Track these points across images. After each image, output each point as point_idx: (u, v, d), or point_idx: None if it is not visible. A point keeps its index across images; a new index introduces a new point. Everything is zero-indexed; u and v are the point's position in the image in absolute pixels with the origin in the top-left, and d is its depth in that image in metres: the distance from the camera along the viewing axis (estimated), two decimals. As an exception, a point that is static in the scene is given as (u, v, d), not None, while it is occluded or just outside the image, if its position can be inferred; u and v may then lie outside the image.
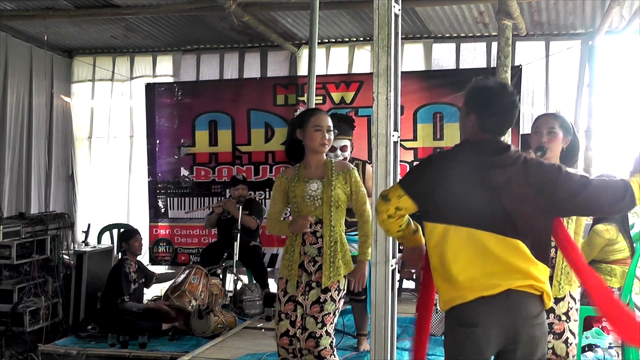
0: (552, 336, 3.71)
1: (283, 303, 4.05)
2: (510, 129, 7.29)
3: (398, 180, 3.00)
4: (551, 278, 3.72)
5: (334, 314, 4.01)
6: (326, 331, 3.96)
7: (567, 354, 3.68)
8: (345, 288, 4.11)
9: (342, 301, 4.08)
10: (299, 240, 4.03)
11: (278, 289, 4.13)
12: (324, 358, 3.96)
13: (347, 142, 5.43)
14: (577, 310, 3.73)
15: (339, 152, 5.37)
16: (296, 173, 4.11)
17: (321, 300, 3.95)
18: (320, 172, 4.05)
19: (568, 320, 3.70)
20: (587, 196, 2.81)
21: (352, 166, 4.13)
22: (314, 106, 7.09)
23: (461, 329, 2.80)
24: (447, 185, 2.83)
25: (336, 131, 5.36)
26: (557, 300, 3.74)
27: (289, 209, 4.31)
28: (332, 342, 4.02)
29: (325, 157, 4.12)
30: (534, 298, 2.81)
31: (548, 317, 3.71)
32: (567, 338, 3.68)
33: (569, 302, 3.72)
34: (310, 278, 4.01)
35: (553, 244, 3.27)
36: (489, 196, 2.79)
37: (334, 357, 4.02)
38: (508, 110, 2.93)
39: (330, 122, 4.07)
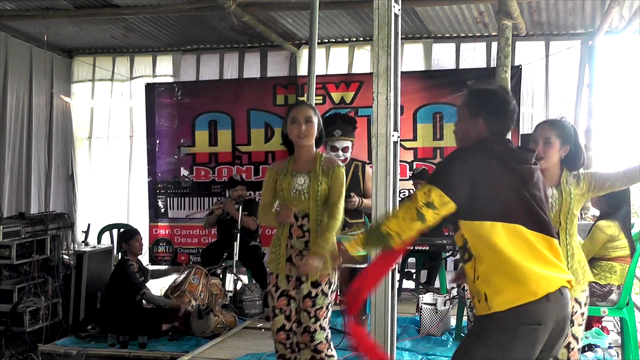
0: None
1: (276, 298, 4.03)
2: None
3: (432, 182, 2.84)
4: None
5: (327, 307, 3.97)
6: (320, 325, 3.94)
7: (569, 358, 3.65)
8: (336, 281, 4.06)
9: (334, 295, 4.04)
10: (286, 234, 4.00)
11: (269, 284, 4.09)
12: (321, 352, 3.95)
13: (349, 144, 5.42)
14: (582, 314, 3.70)
15: (340, 152, 5.36)
16: (285, 166, 4.08)
17: (312, 295, 3.92)
18: (308, 166, 4.01)
19: (572, 325, 3.67)
20: None
21: (339, 163, 4.03)
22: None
23: (523, 328, 2.74)
24: (494, 180, 2.82)
25: (339, 132, 5.37)
26: None
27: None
28: (327, 336, 3.99)
29: (315, 150, 4.06)
30: (569, 298, 2.90)
31: None
32: (570, 343, 3.65)
33: (573, 307, 3.69)
34: (295, 273, 3.98)
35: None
36: (529, 192, 2.86)
37: (331, 350, 4.00)
38: (513, 113, 2.99)
39: (309, 113, 3.97)
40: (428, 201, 2.83)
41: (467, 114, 3.00)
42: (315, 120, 4.00)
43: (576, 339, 3.66)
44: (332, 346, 4.02)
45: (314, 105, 4.21)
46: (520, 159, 2.91)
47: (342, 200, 3.96)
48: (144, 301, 6.56)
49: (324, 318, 3.96)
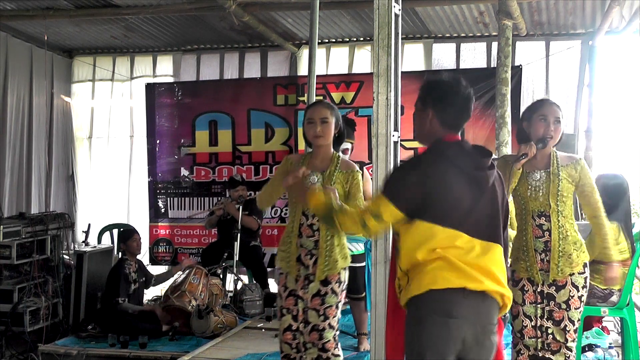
0: (551, 322, 3.76)
1: (284, 298, 4.03)
2: (510, 126, 7.29)
3: (384, 192, 2.88)
4: (548, 262, 3.76)
5: (337, 306, 3.97)
6: (329, 324, 3.94)
7: (566, 339, 3.77)
8: (346, 280, 4.05)
9: (344, 293, 4.03)
10: (295, 232, 3.99)
11: (279, 284, 4.09)
12: (328, 351, 3.94)
13: (349, 145, 5.41)
14: (579, 297, 3.75)
15: (340, 154, 5.36)
16: (301, 161, 4.06)
17: (322, 293, 3.92)
18: (324, 165, 4.01)
19: (568, 309, 3.75)
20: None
21: (357, 168, 4.05)
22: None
23: (435, 318, 2.74)
24: (438, 187, 2.81)
25: None
26: (558, 288, 3.77)
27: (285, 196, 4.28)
28: (335, 335, 3.99)
29: (332, 151, 4.06)
30: (497, 305, 2.85)
31: (548, 305, 3.76)
32: (566, 325, 3.77)
33: (570, 291, 3.75)
34: (308, 271, 3.97)
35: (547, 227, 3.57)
36: (483, 198, 2.83)
37: (338, 350, 3.99)
38: (465, 104, 2.96)
39: (325, 113, 3.99)
40: (375, 212, 2.88)
41: (419, 106, 3.02)
42: (332, 120, 4.00)
43: (572, 321, 3.77)
44: (339, 346, 4.02)
45: (332, 104, 4.17)
46: (477, 165, 2.87)
47: (360, 203, 3.94)
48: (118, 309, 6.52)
49: (333, 317, 3.96)
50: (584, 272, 3.82)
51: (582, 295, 3.79)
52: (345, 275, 4.01)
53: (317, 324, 3.93)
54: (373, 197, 3.00)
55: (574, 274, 3.77)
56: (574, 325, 3.75)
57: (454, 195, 2.79)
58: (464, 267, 2.75)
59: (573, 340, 3.78)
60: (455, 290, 2.73)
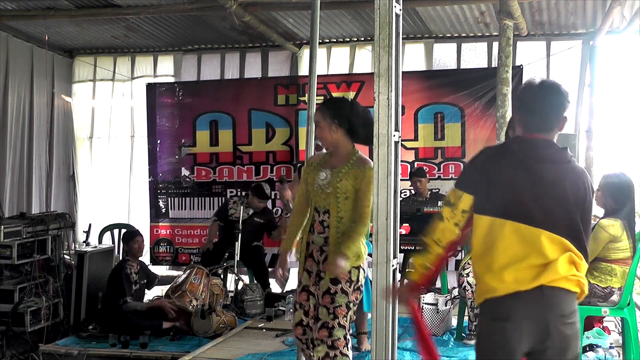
0: None
1: (298, 293, 4.07)
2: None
3: (455, 183, 3.00)
4: None
5: (347, 306, 3.93)
6: (339, 323, 3.92)
7: None
8: (358, 280, 4.01)
9: (357, 293, 3.98)
10: (307, 229, 4.02)
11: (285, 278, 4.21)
12: (337, 348, 3.91)
13: None
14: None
15: (359, 152, 5.33)
16: (320, 159, 4.10)
17: (332, 292, 3.91)
18: (341, 162, 4.00)
19: None
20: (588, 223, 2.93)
21: (370, 165, 3.94)
22: (314, 107, 7.09)
23: (493, 323, 2.81)
24: (499, 178, 2.84)
25: None
26: None
27: None
28: (346, 335, 3.96)
29: (350, 149, 4.03)
30: (568, 295, 2.80)
31: None
32: None
33: None
34: (319, 267, 3.97)
35: None
36: (539, 191, 2.81)
37: (347, 349, 3.96)
38: (548, 109, 2.90)
39: (316, 117, 4.05)
40: (447, 200, 2.98)
41: (513, 108, 3.07)
42: (325, 122, 3.98)
43: None
44: (349, 347, 3.99)
45: (326, 105, 4.13)
46: (544, 158, 2.86)
47: (370, 203, 3.90)
48: (124, 308, 6.51)
49: (343, 316, 3.93)
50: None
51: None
52: (357, 275, 3.96)
53: (327, 321, 3.92)
54: None
55: None
56: None
57: (513, 186, 2.82)
58: (514, 269, 2.77)
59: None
60: (509, 295, 2.76)
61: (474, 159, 2.99)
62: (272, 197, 8.39)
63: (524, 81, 3.16)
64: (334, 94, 8.64)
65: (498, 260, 2.79)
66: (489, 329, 2.83)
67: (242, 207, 7.66)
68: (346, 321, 3.96)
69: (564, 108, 2.92)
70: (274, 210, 8.57)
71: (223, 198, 9.10)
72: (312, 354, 4.00)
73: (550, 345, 2.77)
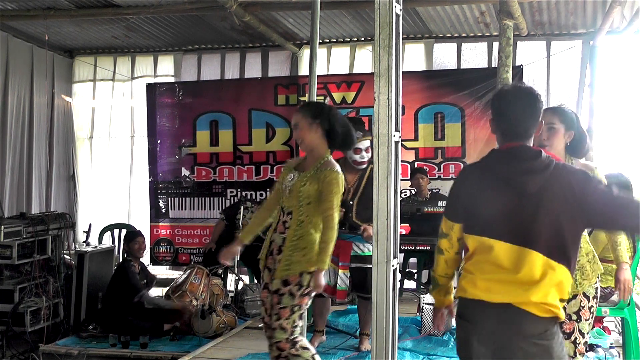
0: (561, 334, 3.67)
1: (261, 289, 4.13)
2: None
3: (444, 212, 3.04)
4: None
5: (292, 310, 3.89)
6: (280, 325, 3.89)
7: (575, 353, 3.63)
8: (308, 285, 3.93)
9: (305, 299, 3.94)
10: (274, 227, 4.06)
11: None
12: (283, 350, 3.91)
13: (368, 143, 5.29)
14: (589, 308, 3.66)
15: (364, 153, 5.31)
16: (296, 162, 4.16)
17: (280, 292, 3.90)
18: (309, 166, 4.03)
19: (578, 320, 3.63)
20: (612, 209, 2.74)
21: (335, 169, 3.95)
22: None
23: (459, 320, 2.88)
24: (480, 198, 2.84)
25: (360, 132, 5.32)
26: (569, 299, 3.69)
27: None
28: (289, 337, 3.91)
29: (323, 154, 4.02)
30: (536, 319, 2.71)
31: None
32: (576, 338, 3.63)
33: (580, 301, 3.62)
34: (274, 267, 3.98)
35: None
36: (521, 204, 2.75)
37: (295, 350, 3.91)
38: (523, 115, 2.84)
39: (295, 119, 4.04)
40: (441, 232, 3.02)
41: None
42: (304, 123, 3.99)
43: (582, 334, 3.63)
44: (297, 346, 3.94)
45: (307, 107, 4.12)
46: (520, 170, 2.77)
47: (334, 207, 3.87)
48: (144, 302, 6.54)
49: (286, 319, 3.90)
50: (596, 283, 3.74)
51: (592, 306, 3.69)
52: (308, 280, 3.88)
53: (271, 323, 3.94)
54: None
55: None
56: (583, 337, 3.63)
57: (491, 204, 2.80)
58: (487, 279, 2.78)
59: (582, 354, 3.65)
60: (474, 300, 2.80)
61: (455, 185, 3.01)
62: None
63: (535, 84, 3.09)
64: (334, 94, 8.64)
65: (479, 268, 2.81)
66: (457, 323, 2.91)
67: (252, 216, 7.75)
68: (288, 324, 3.91)
69: (538, 112, 2.87)
70: None
71: (223, 198, 9.10)
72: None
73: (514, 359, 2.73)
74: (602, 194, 2.75)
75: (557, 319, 2.76)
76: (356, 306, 5.80)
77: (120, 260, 7.47)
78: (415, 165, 8.32)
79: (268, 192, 8.95)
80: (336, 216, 3.89)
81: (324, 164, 3.98)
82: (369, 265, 5.12)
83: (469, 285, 2.83)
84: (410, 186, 7.98)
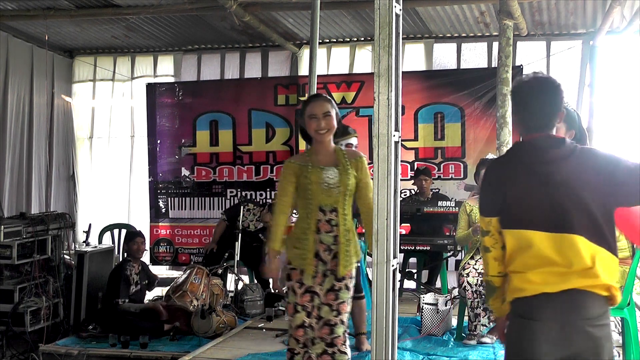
0: None
1: (299, 295, 3.96)
2: (511, 126, 7.26)
3: (479, 211, 3.05)
4: None
5: (348, 302, 3.99)
6: (341, 320, 3.94)
7: None
8: (355, 276, 4.07)
9: (353, 289, 4.06)
10: (313, 229, 3.94)
11: (290, 279, 3.98)
12: (335, 346, 3.92)
13: (354, 140, 5.31)
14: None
15: (354, 149, 5.33)
16: (307, 159, 4.01)
17: (336, 288, 3.93)
18: (331, 159, 3.99)
19: None
20: None
21: (362, 154, 4.06)
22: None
23: (520, 320, 2.80)
24: (512, 191, 2.84)
25: (353, 129, 5.34)
26: None
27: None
28: (345, 332, 3.98)
29: (332, 145, 4.04)
30: (597, 298, 2.74)
31: None
32: None
33: None
34: (326, 267, 3.96)
35: None
36: (550, 193, 2.77)
37: (345, 347, 3.97)
38: (546, 105, 2.87)
39: (327, 108, 3.98)
40: (482, 230, 3.01)
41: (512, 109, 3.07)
42: (334, 112, 4.00)
43: None
44: (347, 344, 4.00)
45: (329, 97, 4.16)
46: (545, 159, 2.82)
47: (370, 187, 3.98)
48: (117, 308, 6.51)
49: (345, 312, 3.96)
50: None
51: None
52: (355, 271, 4.05)
53: (330, 319, 3.92)
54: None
55: None
56: None
57: (523, 195, 2.81)
58: (540, 272, 2.76)
59: None
60: (537, 295, 2.76)
61: (484, 181, 3.02)
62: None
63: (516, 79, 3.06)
64: (334, 94, 8.63)
65: (526, 264, 2.79)
66: (517, 325, 2.83)
67: (254, 218, 7.79)
68: (347, 318, 3.99)
69: (560, 101, 2.89)
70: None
71: (223, 198, 9.11)
72: (309, 351, 3.98)
73: (582, 350, 2.73)
74: (631, 170, 2.76)
75: (613, 300, 2.77)
76: None
77: (121, 260, 7.47)
78: (415, 166, 8.32)
79: (268, 192, 8.96)
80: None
81: (351, 153, 4.05)
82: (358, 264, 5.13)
83: (525, 283, 2.78)
84: (412, 184, 7.99)
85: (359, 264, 4.11)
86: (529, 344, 2.75)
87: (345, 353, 3.96)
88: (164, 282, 7.81)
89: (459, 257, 7.22)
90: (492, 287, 3.03)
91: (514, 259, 2.85)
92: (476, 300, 5.57)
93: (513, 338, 2.85)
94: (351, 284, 3.98)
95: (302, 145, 8.42)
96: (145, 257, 8.40)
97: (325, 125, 3.96)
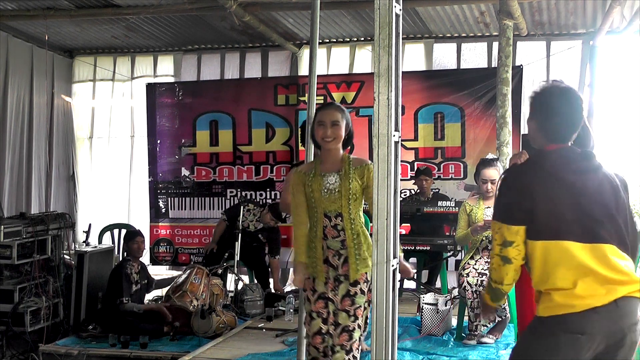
0: None
1: (313, 302, 4.00)
2: (511, 126, 7.26)
3: (500, 220, 2.88)
4: None
5: (364, 307, 3.98)
6: (358, 324, 3.94)
7: None
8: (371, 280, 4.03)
9: (370, 293, 3.94)
10: (320, 235, 3.98)
11: (305, 289, 4.04)
12: (351, 352, 3.93)
13: None
14: None
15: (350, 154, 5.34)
16: (312, 167, 4.07)
17: (351, 294, 3.93)
18: (336, 166, 4.01)
19: None
20: (632, 225, 2.88)
21: (369, 161, 4.01)
22: (314, 107, 7.09)
23: (565, 335, 2.74)
24: (542, 200, 2.78)
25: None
26: None
27: None
28: (361, 335, 3.99)
29: (341, 152, 4.05)
30: (637, 303, 2.77)
31: None
32: None
33: None
34: (337, 272, 3.97)
35: None
36: (582, 203, 2.77)
37: (358, 351, 3.98)
38: (569, 116, 2.86)
39: (336, 116, 4.00)
40: (503, 240, 2.86)
41: (529, 115, 2.98)
42: (343, 123, 4.01)
43: None
44: (360, 347, 4.01)
45: (343, 107, 4.15)
46: (575, 169, 2.82)
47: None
48: (120, 308, 6.51)
49: (362, 316, 3.97)
50: None
51: None
52: (371, 275, 3.93)
53: (348, 324, 3.92)
54: (492, 231, 2.95)
55: None
56: None
57: (555, 205, 2.78)
58: (584, 285, 2.73)
59: None
60: (586, 311, 2.72)
61: (509, 187, 2.91)
62: (286, 221, 8.15)
63: (535, 85, 3.02)
64: (334, 94, 8.64)
65: (566, 279, 2.74)
66: (559, 341, 2.74)
67: (254, 219, 7.79)
68: (363, 322, 4.00)
69: (583, 112, 2.89)
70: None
71: (223, 198, 9.11)
72: (330, 359, 3.99)
73: (620, 353, 2.76)
74: (628, 206, 2.90)
75: None
76: None
77: (120, 260, 7.47)
78: (415, 166, 8.32)
79: (268, 192, 8.97)
80: None
81: (357, 160, 4.04)
82: None
83: (573, 299, 2.72)
84: (413, 184, 7.99)
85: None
86: (568, 355, 2.73)
87: (356, 358, 3.98)
88: (163, 282, 7.79)
89: (459, 257, 7.22)
90: (502, 294, 3.00)
91: (551, 274, 2.77)
92: (476, 300, 5.57)
93: (561, 351, 2.75)
94: (367, 287, 3.95)
95: (302, 145, 8.42)
96: (145, 257, 8.40)
97: (332, 134, 3.97)
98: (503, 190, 2.95)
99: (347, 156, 4.06)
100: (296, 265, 4.10)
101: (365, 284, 3.97)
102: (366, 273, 3.96)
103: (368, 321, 4.25)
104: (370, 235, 4.51)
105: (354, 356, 3.94)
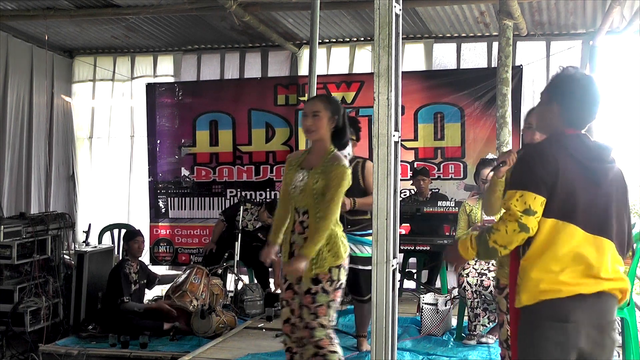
0: None
1: (284, 290, 4.05)
2: (510, 126, 7.27)
3: (524, 188, 2.77)
4: None
5: (329, 305, 3.90)
6: (320, 323, 3.88)
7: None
8: (339, 279, 3.95)
9: (338, 292, 3.95)
10: (290, 228, 4.01)
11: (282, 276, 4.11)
12: (323, 348, 3.89)
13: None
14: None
15: (335, 150, 5.31)
16: (298, 159, 4.07)
17: (312, 292, 3.88)
18: (317, 161, 3.97)
19: (507, 312, 3.67)
20: (628, 225, 2.90)
21: (343, 163, 3.92)
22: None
23: (551, 323, 2.73)
24: (562, 178, 2.75)
25: (352, 130, 5.31)
26: (503, 288, 3.72)
27: None
28: (328, 333, 3.93)
29: (328, 146, 3.99)
30: (616, 301, 2.80)
31: None
32: (507, 329, 3.67)
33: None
34: (285, 271, 3.98)
35: None
36: (599, 194, 2.77)
37: (333, 346, 3.92)
38: (593, 105, 2.86)
39: (317, 107, 3.95)
40: (525, 208, 2.76)
41: (545, 98, 2.95)
42: (326, 113, 3.94)
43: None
44: (334, 342, 3.96)
45: (330, 98, 4.12)
46: (596, 157, 2.82)
47: (336, 200, 3.86)
48: (121, 307, 6.51)
49: (325, 315, 3.90)
50: None
51: None
52: (338, 274, 3.91)
53: (309, 322, 3.90)
54: (509, 199, 2.80)
55: None
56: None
57: (573, 188, 2.76)
58: (574, 272, 2.74)
59: None
60: (571, 297, 2.72)
61: (537, 160, 2.80)
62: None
63: (560, 74, 2.91)
64: (334, 94, 8.63)
65: (558, 262, 2.73)
66: (545, 329, 2.75)
67: (252, 218, 7.79)
68: (327, 321, 3.92)
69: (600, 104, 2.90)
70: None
71: (223, 198, 9.11)
72: (303, 352, 3.98)
73: (599, 350, 2.77)
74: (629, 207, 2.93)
75: (621, 302, 2.84)
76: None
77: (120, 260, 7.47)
78: (415, 165, 8.32)
79: (268, 192, 8.97)
80: (335, 210, 3.86)
81: (332, 158, 3.94)
82: (360, 267, 5.11)
83: (558, 284, 2.72)
84: (410, 184, 7.99)
85: (344, 267, 3.97)
86: (557, 347, 2.72)
87: (335, 352, 3.92)
88: (164, 281, 7.79)
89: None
90: (494, 255, 2.92)
91: (544, 252, 2.75)
92: (476, 300, 5.57)
93: (550, 338, 2.75)
94: (331, 287, 3.88)
95: (302, 145, 8.43)
96: (145, 257, 8.40)
97: (312, 124, 3.94)
98: (527, 160, 2.86)
99: (330, 152, 3.99)
100: (268, 243, 4.19)
101: (330, 282, 3.87)
102: (330, 272, 3.87)
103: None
104: (367, 235, 4.52)
105: (330, 351, 3.89)
